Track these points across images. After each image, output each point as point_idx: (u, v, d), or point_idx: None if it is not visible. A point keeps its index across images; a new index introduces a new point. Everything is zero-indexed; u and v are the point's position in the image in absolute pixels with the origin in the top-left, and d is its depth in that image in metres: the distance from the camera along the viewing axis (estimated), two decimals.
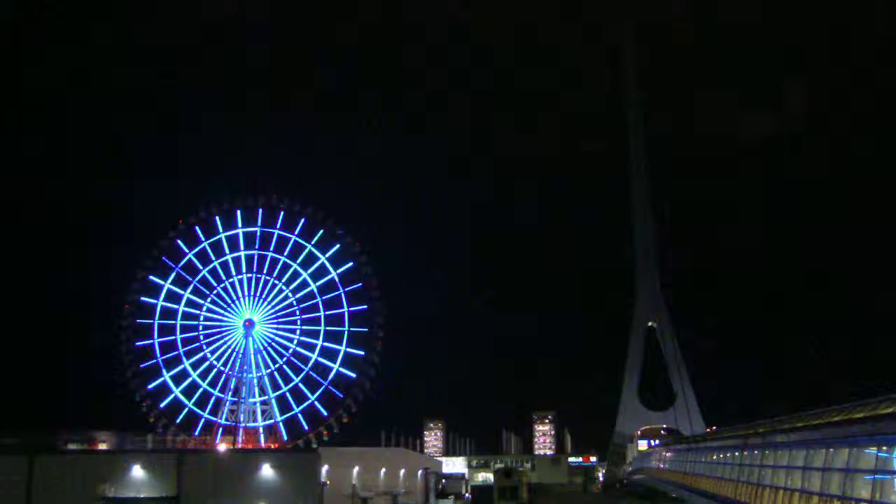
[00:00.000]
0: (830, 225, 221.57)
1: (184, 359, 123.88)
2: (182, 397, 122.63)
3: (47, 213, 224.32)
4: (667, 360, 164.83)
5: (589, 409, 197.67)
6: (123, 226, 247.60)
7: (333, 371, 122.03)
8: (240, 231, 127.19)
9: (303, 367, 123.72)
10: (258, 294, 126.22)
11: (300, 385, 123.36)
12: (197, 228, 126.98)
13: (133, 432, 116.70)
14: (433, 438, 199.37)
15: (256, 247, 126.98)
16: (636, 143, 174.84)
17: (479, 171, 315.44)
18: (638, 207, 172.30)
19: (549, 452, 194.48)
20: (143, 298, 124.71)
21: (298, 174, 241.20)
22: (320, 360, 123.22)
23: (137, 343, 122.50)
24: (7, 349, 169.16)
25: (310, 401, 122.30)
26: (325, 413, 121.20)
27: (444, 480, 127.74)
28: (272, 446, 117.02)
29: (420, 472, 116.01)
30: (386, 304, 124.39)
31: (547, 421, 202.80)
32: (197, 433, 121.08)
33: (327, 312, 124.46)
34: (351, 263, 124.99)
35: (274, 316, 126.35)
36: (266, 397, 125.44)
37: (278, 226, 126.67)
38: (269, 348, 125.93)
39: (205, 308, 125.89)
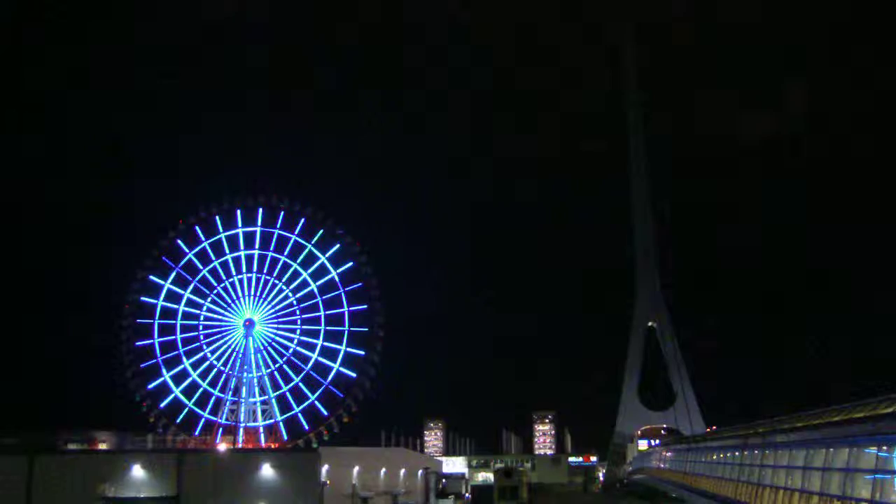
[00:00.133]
0: (830, 225, 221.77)
1: (184, 359, 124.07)
2: (182, 397, 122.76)
3: (47, 213, 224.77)
4: (667, 360, 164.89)
5: (589, 409, 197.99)
6: (123, 226, 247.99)
7: (333, 371, 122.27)
8: (240, 231, 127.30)
9: (303, 366, 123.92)
10: (258, 294, 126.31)
11: (300, 385, 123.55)
12: (197, 228, 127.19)
13: (133, 432, 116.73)
14: (433, 438, 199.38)
15: (256, 247, 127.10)
16: (636, 143, 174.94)
17: (479, 171, 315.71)
18: (638, 207, 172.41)
19: (549, 452, 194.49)
20: (143, 298, 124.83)
21: (298, 174, 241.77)
22: (320, 359, 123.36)
23: (137, 343, 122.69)
24: (7, 349, 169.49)
25: (310, 400, 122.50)
26: (325, 413, 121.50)
27: (444, 480, 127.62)
28: (272, 446, 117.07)
29: (420, 471, 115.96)
30: (386, 304, 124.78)
31: (547, 421, 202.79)
32: (197, 433, 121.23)
33: (327, 312, 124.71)
34: (351, 263, 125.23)
35: (274, 316, 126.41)
36: (266, 397, 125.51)
37: (278, 226, 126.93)
38: (269, 348, 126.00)
39: (205, 308, 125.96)
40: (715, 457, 62.58)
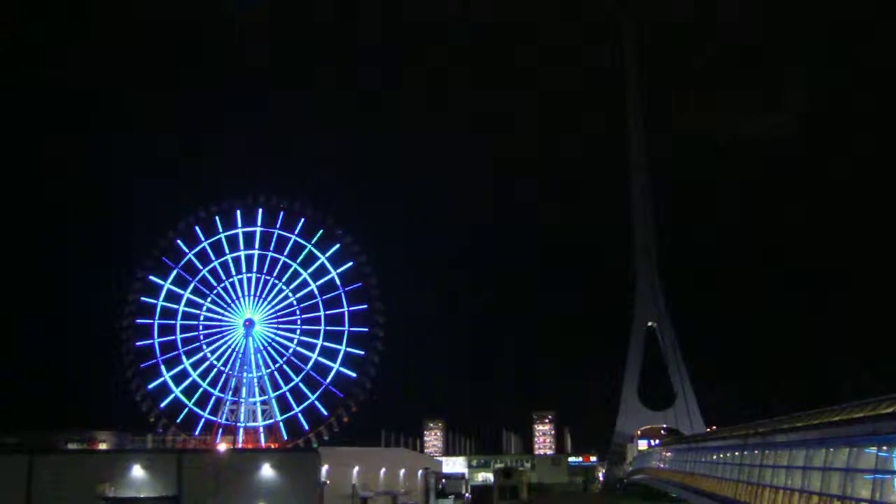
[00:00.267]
0: (830, 225, 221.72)
1: (184, 358, 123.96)
2: (182, 397, 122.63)
3: (47, 212, 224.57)
4: (667, 360, 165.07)
5: (589, 409, 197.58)
6: (123, 226, 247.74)
7: (333, 371, 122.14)
8: (240, 231, 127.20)
9: (303, 366, 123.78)
10: (258, 294, 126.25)
11: (300, 385, 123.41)
12: (197, 228, 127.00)
13: (133, 432, 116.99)
14: (433, 438, 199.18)
15: (256, 247, 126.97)
16: (636, 142, 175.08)
17: (479, 170, 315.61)
18: (638, 207, 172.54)
19: (549, 452, 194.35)
20: (143, 298, 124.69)
21: (298, 174, 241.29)
22: (320, 359, 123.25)
23: (137, 343, 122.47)
24: (7, 349, 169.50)
25: (310, 400, 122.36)
26: (325, 413, 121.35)
27: (444, 480, 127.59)
28: (272, 446, 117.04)
29: (420, 471, 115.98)
30: (386, 304, 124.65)
31: (547, 421, 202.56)
32: (197, 433, 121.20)
33: (327, 312, 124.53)
34: (351, 263, 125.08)
35: (274, 316, 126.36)
36: (266, 397, 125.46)
37: (278, 225, 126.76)
38: (269, 348, 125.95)
39: (205, 308, 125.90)
40: (715, 457, 62.64)
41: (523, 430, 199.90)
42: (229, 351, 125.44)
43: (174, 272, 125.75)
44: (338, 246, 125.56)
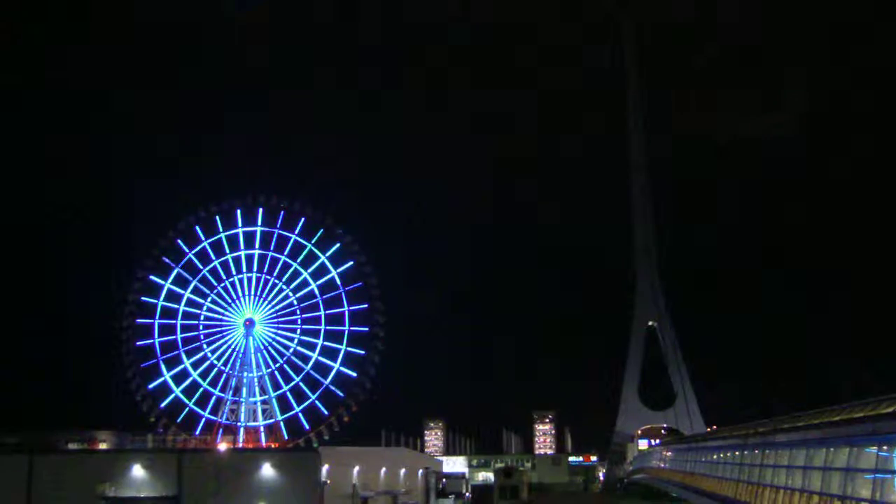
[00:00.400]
0: (830, 225, 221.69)
1: (184, 358, 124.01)
2: (182, 397, 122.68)
3: (47, 213, 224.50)
4: (667, 360, 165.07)
5: (589, 409, 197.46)
6: (123, 226, 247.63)
7: (334, 370, 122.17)
8: (240, 231, 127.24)
9: (303, 366, 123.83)
10: (258, 293, 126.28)
11: (301, 384, 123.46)
12: (197, 228, 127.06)
13: (133, 432, 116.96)
14: (433, 438, 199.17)
15: (256, 246, 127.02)
16: (636, 142, 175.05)
17: (479, 170, 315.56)
18: (638, 207, 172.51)
19: (549, 452, 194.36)
20: (143, 298, 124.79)
21: (298, 174, 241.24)
22: (321, 359, 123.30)
23: (137, 343, 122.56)
24: (7, 349, 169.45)
25: (310, 400, 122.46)
26: (325, 412, 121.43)
27: (444, 480, 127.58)
28: (273, 446, 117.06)
29: (420, 471, 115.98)
30: (386, 303, 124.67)
31: (547, 421, 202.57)
32: (197, 433, 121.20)
33: (327, 312, 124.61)
34: (351, 263, 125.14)
35: (274, 315, 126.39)
36: (266, 396, 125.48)
37: (278, 225, 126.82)
38: (269, 347, 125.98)
39: (205, 307, 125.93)
40: (715, 456, 62.64)
41: (523, 429, 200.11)
42: (230, 350, 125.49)
43: (174, 272, 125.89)
44: (338, 246, 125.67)
